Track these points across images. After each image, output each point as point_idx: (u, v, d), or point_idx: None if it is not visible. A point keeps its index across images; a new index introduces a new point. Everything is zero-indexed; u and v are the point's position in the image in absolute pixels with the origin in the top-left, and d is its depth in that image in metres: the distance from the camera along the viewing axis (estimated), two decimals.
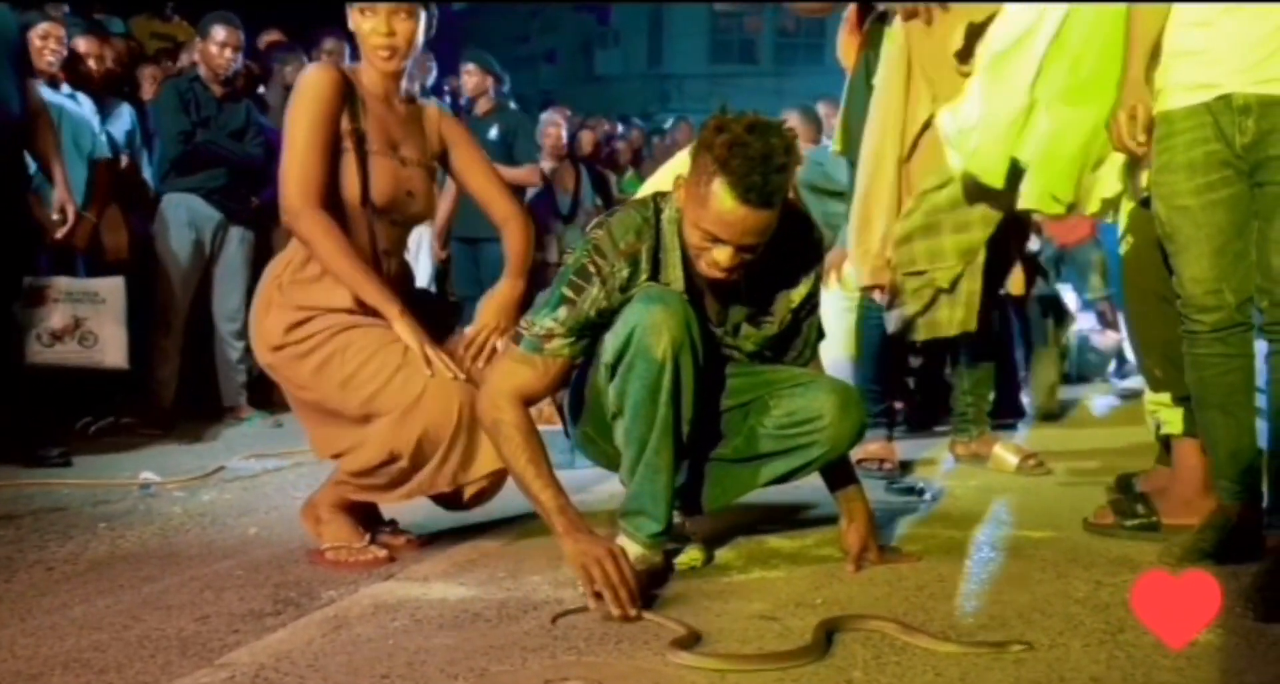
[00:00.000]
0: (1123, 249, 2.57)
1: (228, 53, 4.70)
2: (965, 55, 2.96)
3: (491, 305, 2.55)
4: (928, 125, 2.99)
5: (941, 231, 2.95)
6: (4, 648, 1.95)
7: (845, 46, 3.39)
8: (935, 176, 2.95)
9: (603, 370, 2.09)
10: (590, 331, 2.10)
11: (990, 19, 2.80)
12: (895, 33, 3.04)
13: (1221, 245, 2.11)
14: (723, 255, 1.97)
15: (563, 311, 2.09)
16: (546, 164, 6.36)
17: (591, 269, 2.07)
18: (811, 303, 2.27)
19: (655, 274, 2.09)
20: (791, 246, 2.15)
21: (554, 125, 6.42)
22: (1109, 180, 2.55)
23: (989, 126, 2.66)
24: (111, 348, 4.36)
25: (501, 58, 7.68)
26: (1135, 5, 2.23)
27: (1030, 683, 1.58)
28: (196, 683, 1.65)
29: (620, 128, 7.73)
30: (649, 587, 2.03)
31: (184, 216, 4.71)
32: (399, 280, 2.52)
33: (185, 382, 4.72)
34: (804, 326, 2.28)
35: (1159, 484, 2.62)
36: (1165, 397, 2.50)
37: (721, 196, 1.90)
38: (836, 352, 3.47)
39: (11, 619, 2.12)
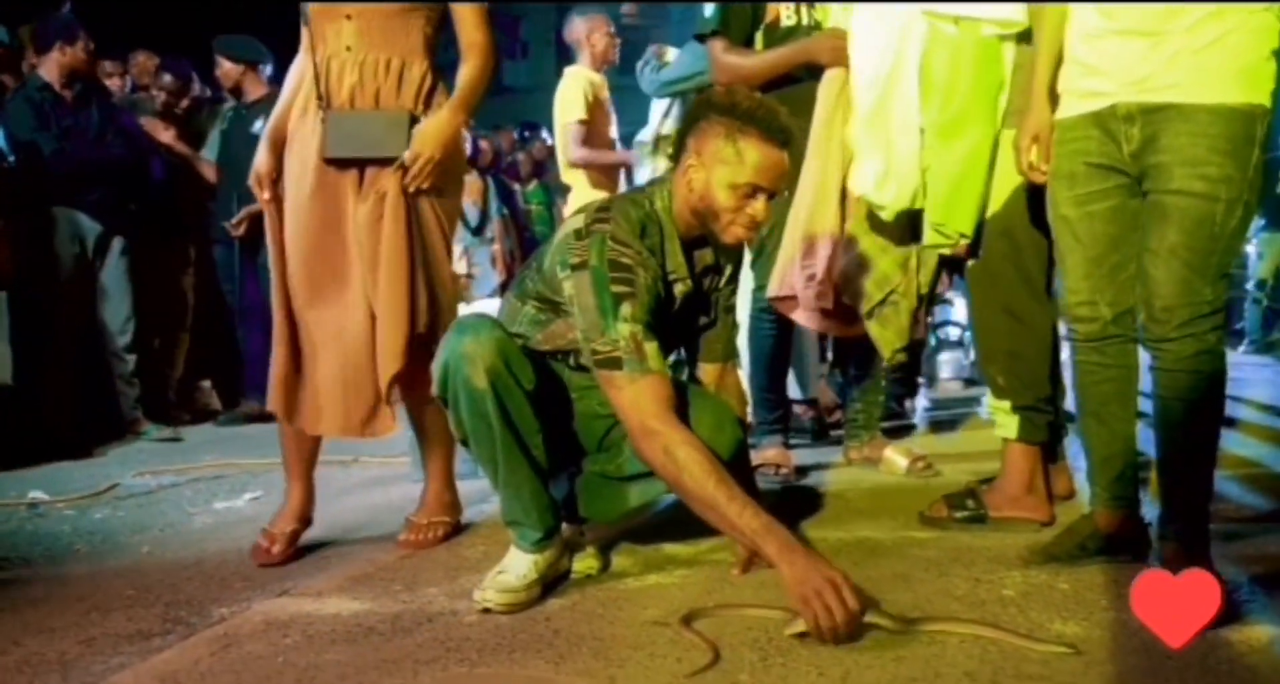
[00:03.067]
0: (971, 262, 2.60)
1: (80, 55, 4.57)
2: None
3: (425, 134, 2.44)
4: None
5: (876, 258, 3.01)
6: None
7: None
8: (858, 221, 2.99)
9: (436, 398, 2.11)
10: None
11: None
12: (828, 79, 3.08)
13: (1097, 256, 2.11)
14: (760, 207, 2.06)
15: (627, 308, 1.98)
16: None
17: (625, 260, 2.01)
18: (732, 293, 2.36)
19: (663, 265, 2.12)
20: None
21: None
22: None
23: (899, 174, 2.67)
24: None
25: None
26: (1038, 20, 2.24)
27: (908, 679, 1.62)
28: None
29: (520, 137, 7.69)
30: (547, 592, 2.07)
31: (66, 230, 4.56)
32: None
33: (77, 398, 4.56)
34: (726, 319, 2.35)
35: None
36: (1006, 403, 2.58)
37: (757, 145, 2.03)
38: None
39: None
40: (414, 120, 2.47)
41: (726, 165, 2.05)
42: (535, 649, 1.79)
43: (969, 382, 5.77)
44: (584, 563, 2.25)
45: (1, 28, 5.04)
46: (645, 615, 1.96)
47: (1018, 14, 2.46)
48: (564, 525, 2.24)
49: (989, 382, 2.65)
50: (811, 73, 3.12)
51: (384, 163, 2.46)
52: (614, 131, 4.62)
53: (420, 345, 2.46)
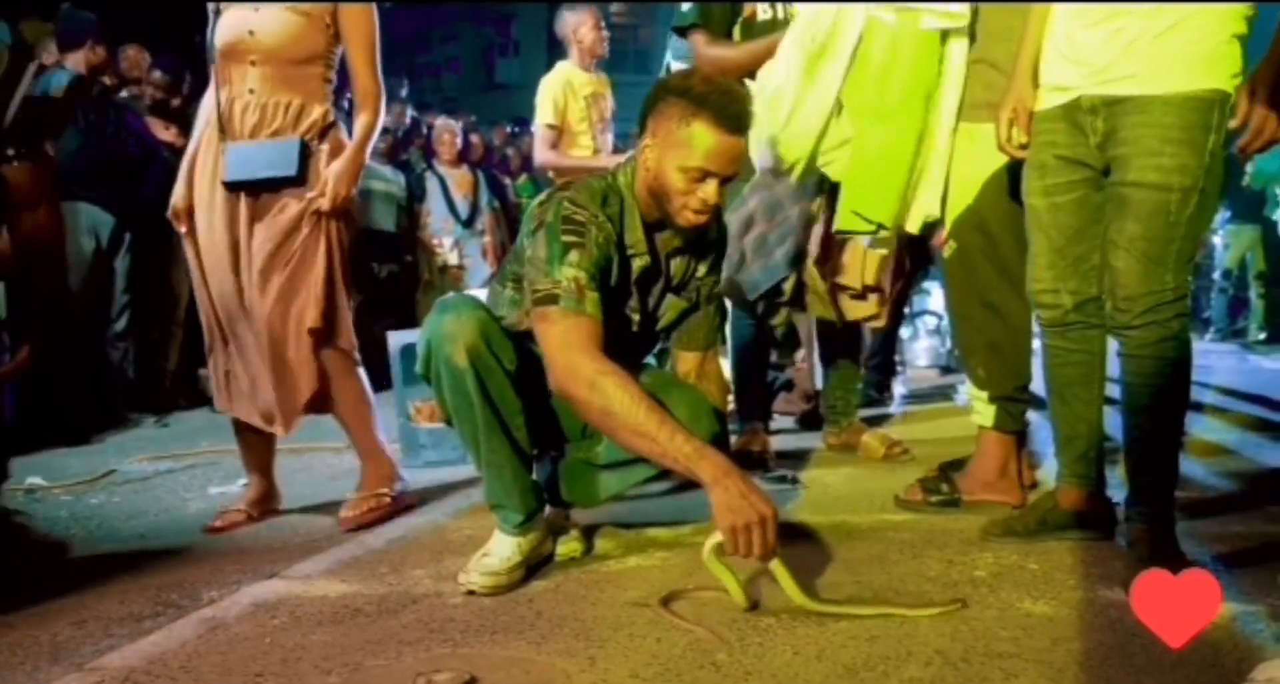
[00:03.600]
0: (946, 253, 2.59)
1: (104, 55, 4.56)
2: None
3: (337, 174, 2.64)
4: None
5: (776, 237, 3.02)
6: None
7: None
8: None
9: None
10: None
11: None
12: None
13: (1062, 246, 2.11)
14: (710, 190, 2.00)
15: (575, 255, 1.95)
16: (443, 169, 6.29)
17: (580, 217, 1.99)
18: (714, 282, 2.27)
19: (621, 236, 2.07)
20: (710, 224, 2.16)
21: (448, 132, 6.34)
22: (930, 200, 2.58)
23: (802, 116, 2.64)
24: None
25: (403, 65, 7.50)
26: (1028, 7, 2.19)
27: (881, 657, 1.61)
28: None
29: (511, 132, 7.68)
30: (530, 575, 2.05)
31: (84, 223, 4.54)
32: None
33: (78, 386, 4.53)
34: (708, 308, 2.28)
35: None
36: (984, 393, 2.58)
37: (709, 130, 1.96)
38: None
39: None
40: (304, 146, 2.65)
41: (679, 148, 1.98)
42: (518, 630, 1.77)
43: (945, 369, 5.78)
44: (567, 546, 2.24)
45: (3, 24, 4.99)
46: (626, 597, 1.95)
47: (958, 7, 2.46)
48: (547, 509, 2.23)
49: (969, 372, 2.65)
50: None
51: (276, 186, 2.65)
52: (605, 129, 4.52)
53: (322, 342, 2.71)
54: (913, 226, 2.67)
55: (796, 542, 2.29)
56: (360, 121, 2.71)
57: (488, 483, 2.11)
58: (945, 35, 2.53)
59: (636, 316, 2.18)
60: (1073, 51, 2.04)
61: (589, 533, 2.35)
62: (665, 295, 2.22)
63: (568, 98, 4.37)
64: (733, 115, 1.97)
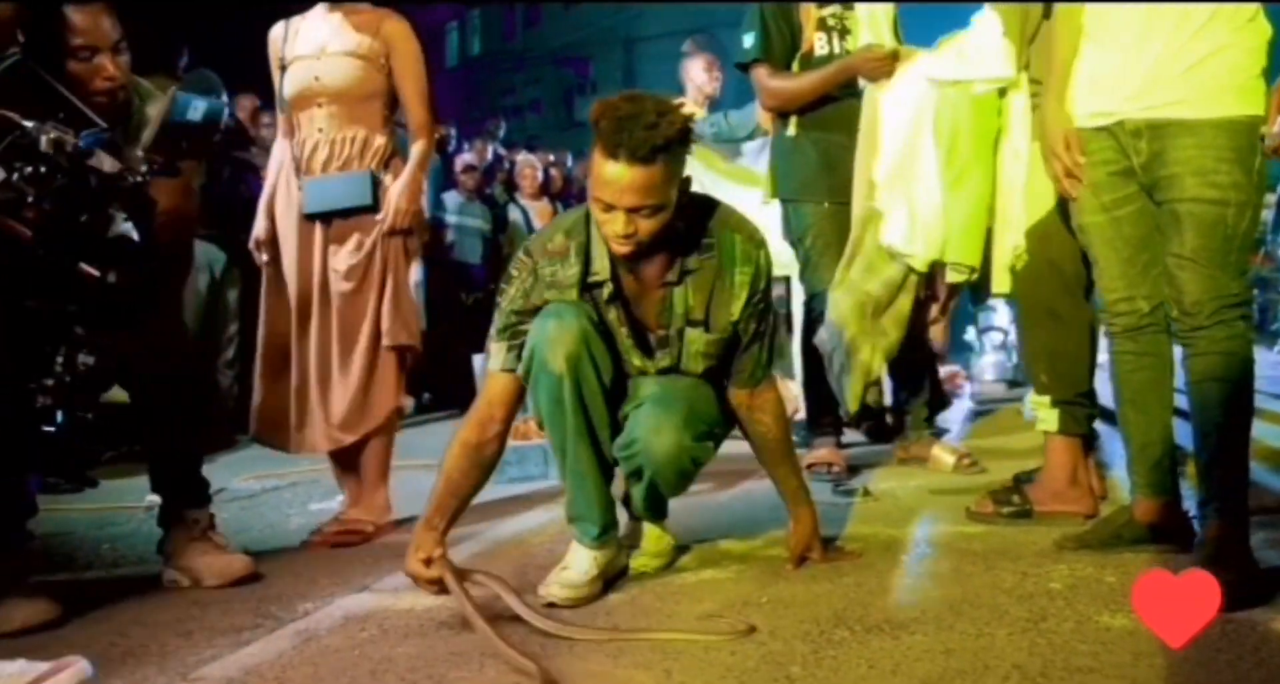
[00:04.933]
0: (1018, 266, 2.54)
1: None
2: None
3: (398, 191, 2.75)
4: None
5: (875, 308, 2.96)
6: None
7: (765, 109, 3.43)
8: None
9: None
10: (519, 336, 1.98)
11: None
12: (868, 96, 3.00)
13: (1129, 256, 2.08)
14: (617, 222, 1.84)
15: (496, 318, 2.03)
16: (525, 202, 6.33)
17: (513, 271, 2.02)
18: (754, 320, 2.04)
19: (586, 267, 1.98)
20: (725, 261, 2.00)
21: (529, 167, 6.39)
22: (1013, 235, 2.58)
23: (925, 227, 2.75)
24: None
25: (491, 107, 7.62)
26: (1052, 36, 2.19)
27: (958, 671, 1.51)
28: None
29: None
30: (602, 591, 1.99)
31: (201, 259, 4.66)
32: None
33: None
34: (753, 347, 2.07)
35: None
36: (1046, 399, 2.49)
37: (599, 159, 1.83)
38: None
39: (2, 640, 2.04)
40: (374, 177, 2.77)
41: (591, 178, 1.89)
42: (596, 643, 1.72)
43: (1012, 383, 5.59)
44: (640, 560, 2.17)
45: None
46: (701, 609, 1.88)
47: (1003, 69, 2.55)
48: (625, 523, 2.16)
49: (1033, 379, 2.59)
50: (851, 91, 3.05)
51: (349, 214, 2.77)
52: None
53: (391, 354, 2.81)
54: (1008, 260, 2.63)
55: (869, 554, 2.20)
56: (415, 147, 2.83)
57: (569, 493, 2.04)
58: (1003, 90, 2.61)
59: (629, 341, 2.02)
60: (1107, 79, 2.03)
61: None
62: (684, 328, 2.02)
63: None
64: (619, 142, 1.79)
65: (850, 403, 2.99)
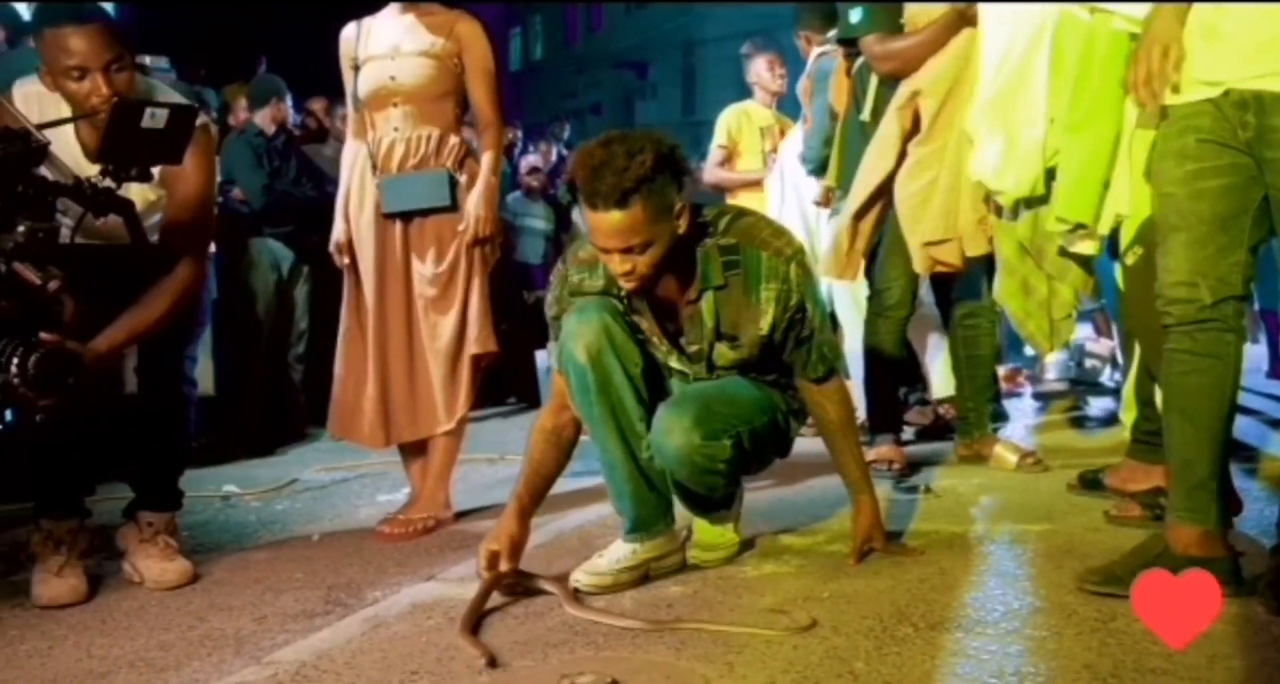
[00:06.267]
0: (1130, 260, 2.31)
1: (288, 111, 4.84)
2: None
3: (476, 200, 2.75)
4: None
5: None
6: (81, 648, 1.93)
7: (837, 90, 3.32)
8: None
9: None
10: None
11: None
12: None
13: (1203, 237, 1.78)
14: (614, 262, 1.89)
15: (553, 307, 2.10)
16: None
17: (553, 277, 2.10)
18: (792, 329, 2.01)
19: (613, 279, 1.97)
20: (751, 278, 1.97)
21: None
22: (1119, 198, 2.32)
23: (1020, 162, 2.49)
24: (201, 377, 4.38)
25: (553, 110, 7.63)
26: None
27: (1026, 672, 1.47)
28: (243, 680, 1.59)
29: None
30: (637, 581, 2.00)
31: (268, 258, 4.73)
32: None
33: (265, 404, 4.70)
34: (800, 349, 2.03)
35: (1124, 477, 2.48)
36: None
37: (585, 208, 1.85)
38: (853, 343, 3.39)
39: (94, 622, 2.10)
40: (451, 177, 2.76)
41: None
42: (658, 635, 1.70)
43: (1075, 382, 5.44)
44: (694, 554, 2.13)
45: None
46: (761, 603, 1.85)
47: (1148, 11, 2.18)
48: (680, 519, 2.14)
49: (1151, 370, 2.33)
50: None
51: (428, 213, 2.77)
52: (776, 160, 4.36)
53: (471, 359, 2.81)
54: (1104, 227, 2.40)
55: (932, 551, 2.15)
56: (487, 154, 2.82)
57: (607, 484, 2.06)
58: (1134, 37, 2.22)
59: (666, 346, 2.05)
60: (1217, 45, 1.77)
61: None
62: (714, 342, 2.02)
63: (742, 126, 4.50)
64: (594, 192, 1.80)
65: (1042, 343, 2.84)
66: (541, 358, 3.69)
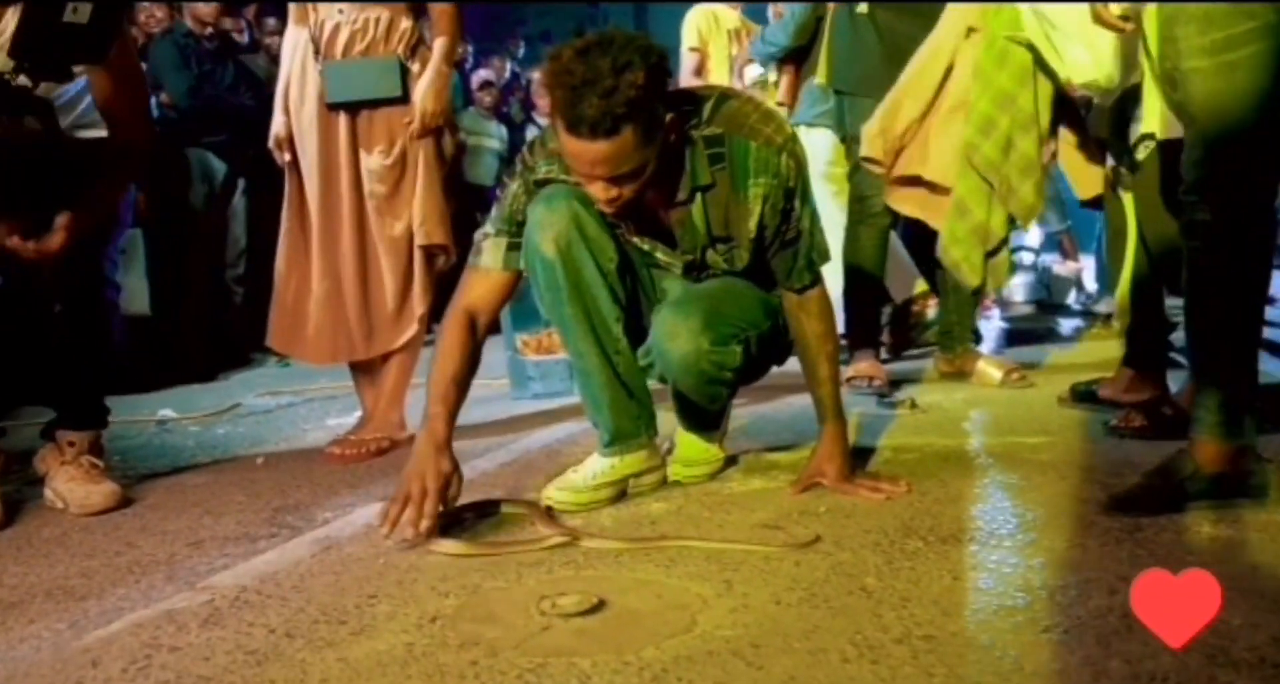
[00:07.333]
0: (1141, 154, 2.18)
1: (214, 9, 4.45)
2: None
3: (425, 90, 2.50)
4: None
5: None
6: None
7: None
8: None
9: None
10: (520, 233, 1.78)
11: None
12: None
13: (1240, 115, 1.52)
14: (597, 189, 1.61)
15: (493, 211, 1.82)
16: (543, 120, 6.06)
17: (517, 166, 1.81)
18: (779, 230, 1.76)
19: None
20: (738, 173, 1.72)
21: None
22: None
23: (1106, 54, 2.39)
24: (136, 296, 4.10)
25: (502, 37, 7.44)
26: None
27: (1057, 585, 1.32)
28: (174, 607, 1.39)
29: None
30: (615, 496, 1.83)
31: (198, 167, 4.40)
32: None
33: (204, 326, 4.42)
34: (785, 252, 1.79)
35: (1122, 387, 2.39)
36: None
37: (560, 132, 1.56)
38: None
39: (8, 550, 1.88)
40: (402, 65, 2.52)
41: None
42: (644, 553, 1.53)
43: (1042, 304, 5.36)
44: (675, 469, 1.96)
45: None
46: (754, 518, 1.69)
47: None
48: (660, 433, 1.95)
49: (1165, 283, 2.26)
50: None
51: (377, 105, 2.51)
52: (744, 66, 4.15)
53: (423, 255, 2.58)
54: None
55: (927, 463, 2.00)
56: (439, 39, 2.55)
57: (581, 393, 1.85)
58: None
59: (644, 247, 1.81)
60: None
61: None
62: (706, 247, 1.79)
63: (711, 28, 4.13)
64: (578, 118, 1.51)
65: (968, 276, 2.72)
66: None
